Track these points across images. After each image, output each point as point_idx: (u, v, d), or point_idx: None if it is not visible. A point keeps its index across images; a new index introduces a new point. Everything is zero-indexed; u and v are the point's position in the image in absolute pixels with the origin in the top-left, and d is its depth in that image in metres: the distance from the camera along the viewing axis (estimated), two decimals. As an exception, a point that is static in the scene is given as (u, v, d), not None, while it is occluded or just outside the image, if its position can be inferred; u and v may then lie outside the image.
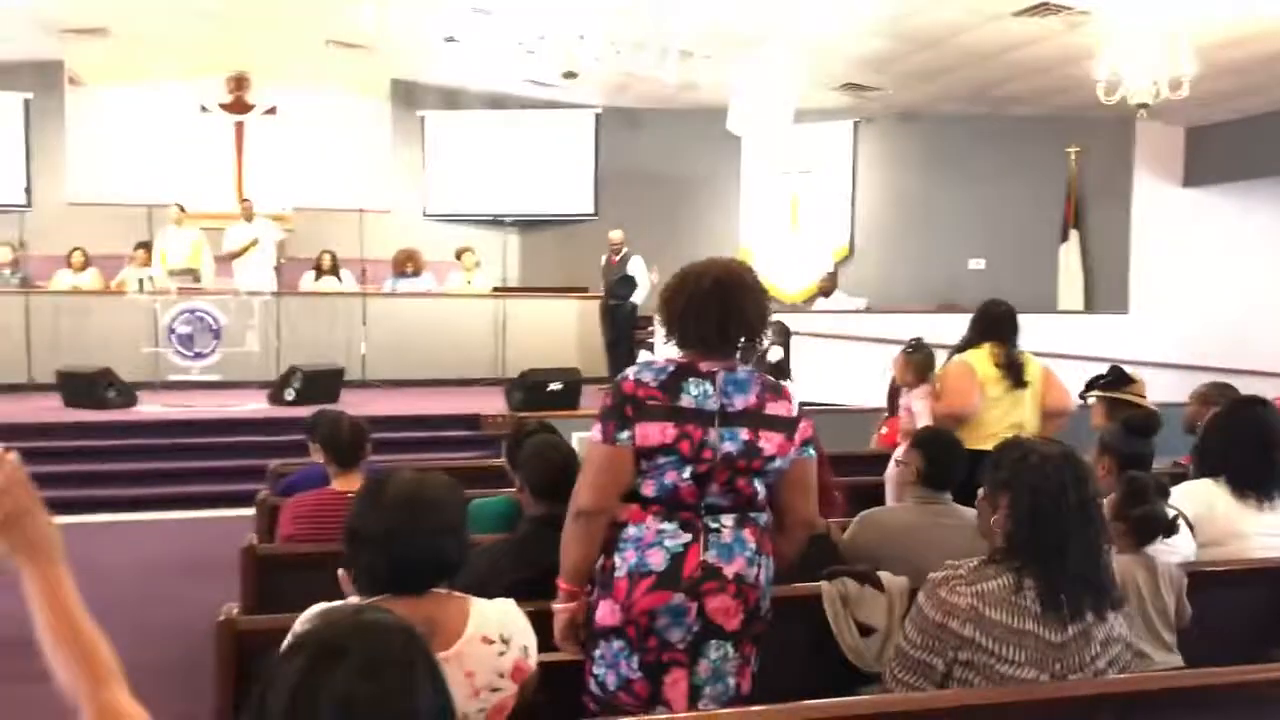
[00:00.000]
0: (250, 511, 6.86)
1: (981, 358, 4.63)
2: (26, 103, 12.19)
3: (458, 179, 13.38)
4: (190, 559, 6.45)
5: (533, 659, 2.11)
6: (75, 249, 11.32)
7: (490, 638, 2.04)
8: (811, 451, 2.58)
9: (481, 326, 11.58)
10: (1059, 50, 9.60)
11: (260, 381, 9.94)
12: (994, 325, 4.70)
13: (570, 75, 9.15)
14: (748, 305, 2.52)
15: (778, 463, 2.50)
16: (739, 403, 2.47)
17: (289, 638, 1.36)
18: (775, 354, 7.85)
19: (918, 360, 4.98)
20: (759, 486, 2.50)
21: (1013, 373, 4.60)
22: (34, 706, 4.22)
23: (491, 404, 9.48)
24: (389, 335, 11.19)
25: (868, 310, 11.59)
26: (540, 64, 9.77)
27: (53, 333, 10.25)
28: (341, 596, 2.13)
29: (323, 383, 9.61)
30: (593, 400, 9.99)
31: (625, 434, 2.44)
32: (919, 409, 4.83)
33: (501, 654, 2.04)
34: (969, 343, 4.75)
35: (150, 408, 9.02)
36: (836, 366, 10.18)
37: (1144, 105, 8.27)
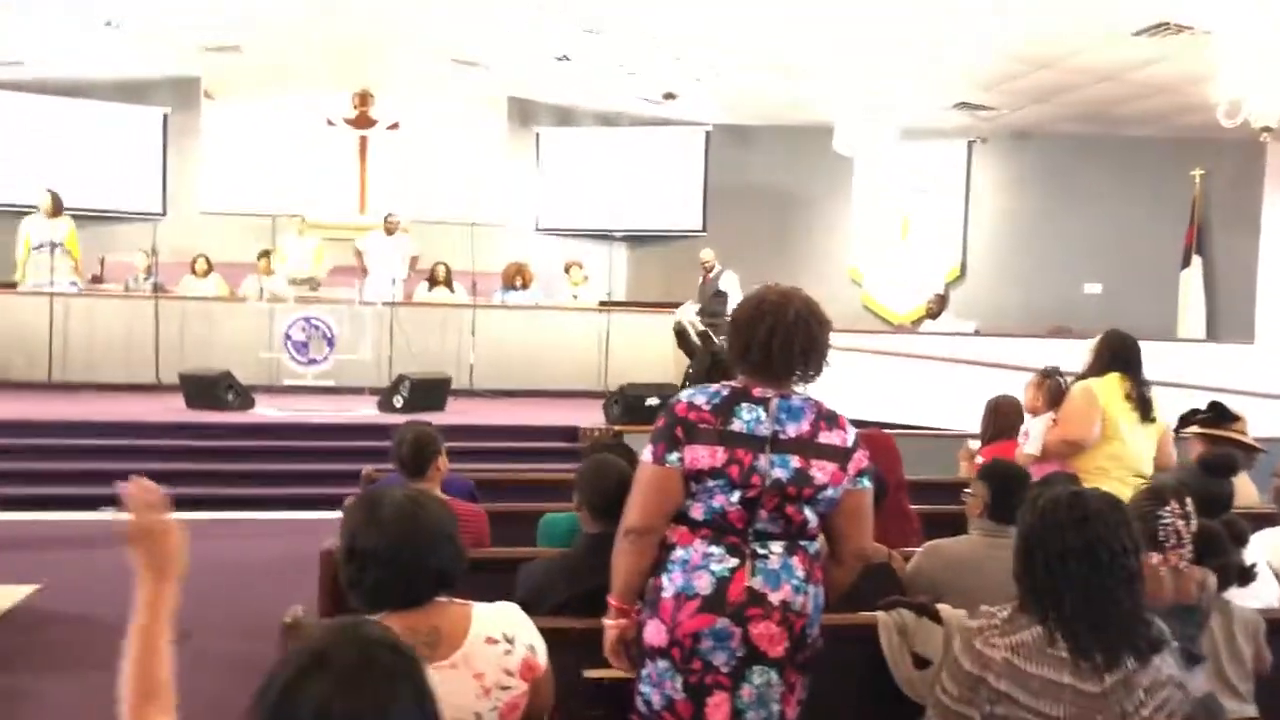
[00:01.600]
0: (350, 515, 7.15)
1: (1109, 387, 4.41)
2: (165, 117, 12.89)
3: (569, 194, 13.64)
4: (292, 558, 6.71)
5: (542, 658, 2.15)
6: (199, 256, 11.87)
7: (494, 638, 2.10)
8: (867, 482, 2.58)
9: (586, 340, 11.73)
10: (1181, 70, 9.30)
11: (372, 388, 10.27)
12: (1120, 355, 4.47)
13: (670, 96, 9.23)
14: (824, 340, 2.56)
15: (830, 492, 2.50)
16: (791, 430, 2.49)
17: (305, 639, 1.41)
18: None
19: (1050, 386, 4.89)
20: (810, 514, 2.51)
21: (1142, 406, 4.38)
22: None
23: (592, 417, 9.59)
24: (496, 346, 11.43)
25: (976, 334, 11.36)
26: (643, 84, 9.88)
27: (179, 336, 10.77)
28: None
29: (429, 391, 9.87)
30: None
31: (675, 456, 2.48)
32: (1035, 433, 4.71)
33: (507, 652, 2.10)
34: (1093, 372, 4.53)
35: (266, 410, 9.39)
36: (941, 390, 10.00)
37: (1268, 129, 7.94)
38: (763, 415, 2.49)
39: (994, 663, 2.25)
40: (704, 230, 13.15)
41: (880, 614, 2.90)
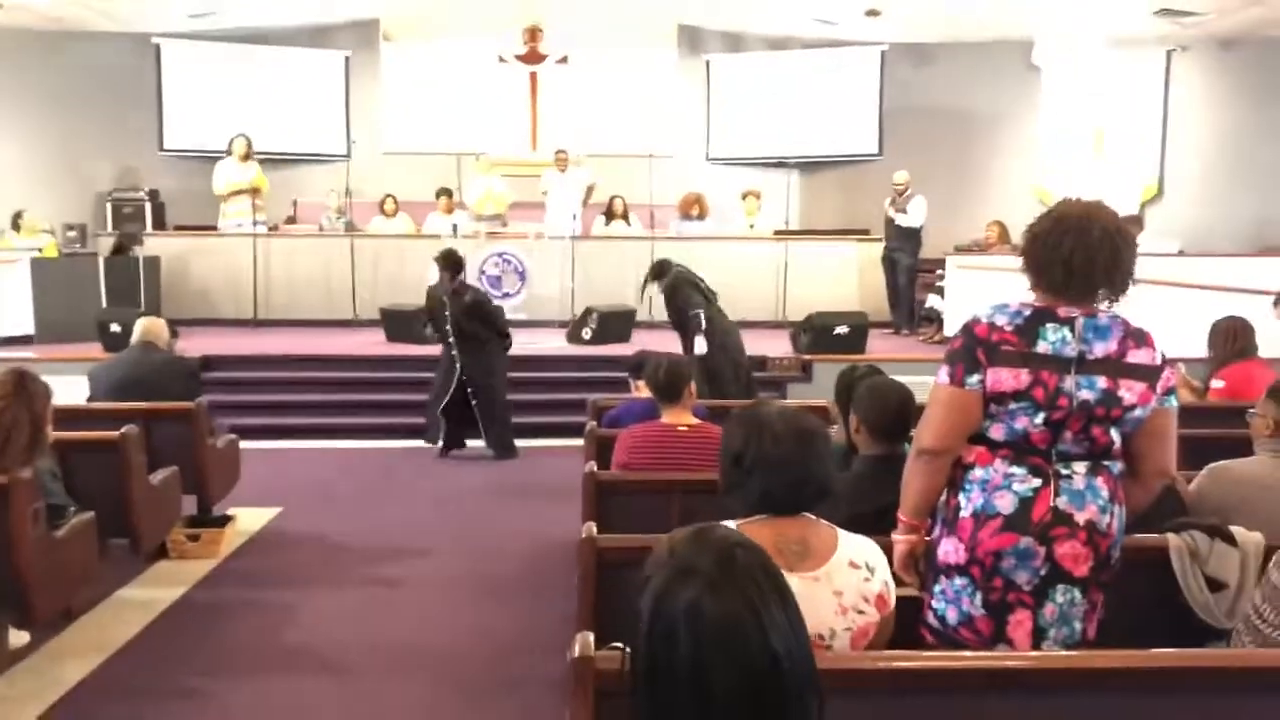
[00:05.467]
0: (560, 441, 7.40)
1: None
2: (346, 60, 13.26)
3: (740, 122, 13.49)
4: (515, 483, 6.99)
5: (893, 597, 2.20)
6: (387, 196, 12.22)
7: (857, 563, 2.17)
8: (1174, 401, 2.51)
9: (763, 269, 11.63)
10: None
11: (558, 321, 10.48)
12: None
13: (873, 14, 8.95)
14: (1129, 259, 2.48)
15: (1138, 412, 2.44)
16: (1099, 350, 2.43)
17: (663, 552, 1.48)
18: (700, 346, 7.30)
19: None
20: (1115, 435, 2.46)
21: None
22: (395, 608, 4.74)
23: (775, 347, 9.56)
24: (675, 277, 11.44)
25: (1180, 254, 10.80)
26: (832, 3, 9.58)
27: (373, 273, 11.20)
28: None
29: (616, 323, 10.01)
30: (878, 345, 9.91)
31: (975, 378, 2.44)
32: None
33: (867, 580, 2.17)
34: None
35: (462, 344, 9.67)
36: (1144, 315, 9.56)
37: None
38: (1069, 335, 2.43)
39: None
40: (880, 154, 12.85)
41: (1171, 536, 2.83)
